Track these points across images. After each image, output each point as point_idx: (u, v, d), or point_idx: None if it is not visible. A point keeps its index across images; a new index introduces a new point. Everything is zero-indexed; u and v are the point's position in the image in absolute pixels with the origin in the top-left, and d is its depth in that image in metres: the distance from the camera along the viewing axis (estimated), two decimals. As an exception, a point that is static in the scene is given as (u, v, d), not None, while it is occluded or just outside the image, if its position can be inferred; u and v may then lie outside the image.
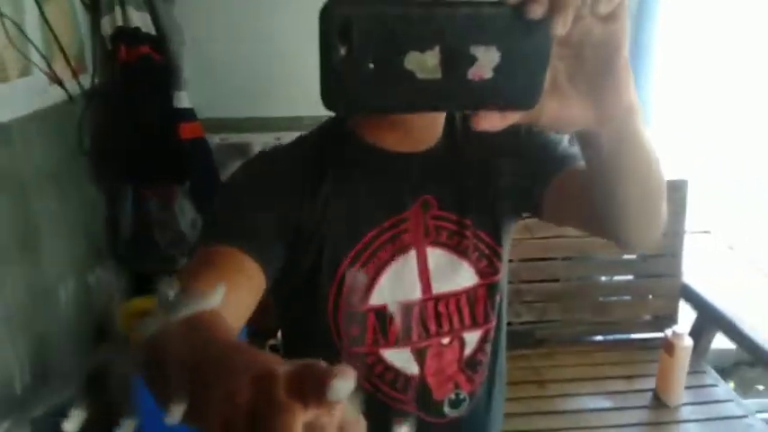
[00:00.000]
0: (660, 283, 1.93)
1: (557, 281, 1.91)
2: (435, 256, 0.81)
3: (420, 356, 0.82)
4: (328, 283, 0.77)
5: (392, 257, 0.79)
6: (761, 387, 2.36)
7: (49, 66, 1.47)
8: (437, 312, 0.81)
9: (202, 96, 1.93)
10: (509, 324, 1.90)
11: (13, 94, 1.34)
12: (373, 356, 0.80)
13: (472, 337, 0.85)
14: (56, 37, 1.49)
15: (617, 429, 1.57)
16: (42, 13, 1.44)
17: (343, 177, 0.78)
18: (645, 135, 0.53)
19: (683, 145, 2.10)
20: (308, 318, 0.80)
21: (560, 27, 0.38)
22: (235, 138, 2.05)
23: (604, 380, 1.76)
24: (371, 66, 0.37)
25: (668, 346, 1.61)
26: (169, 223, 1.87)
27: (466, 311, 0.83)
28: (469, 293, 0.83)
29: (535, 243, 1.84)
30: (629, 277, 1.98)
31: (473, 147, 0.82)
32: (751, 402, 1.87)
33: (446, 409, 0.85)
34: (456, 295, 0.82)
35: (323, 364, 0.27)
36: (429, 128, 0.81)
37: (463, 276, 0.82)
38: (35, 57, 1.41)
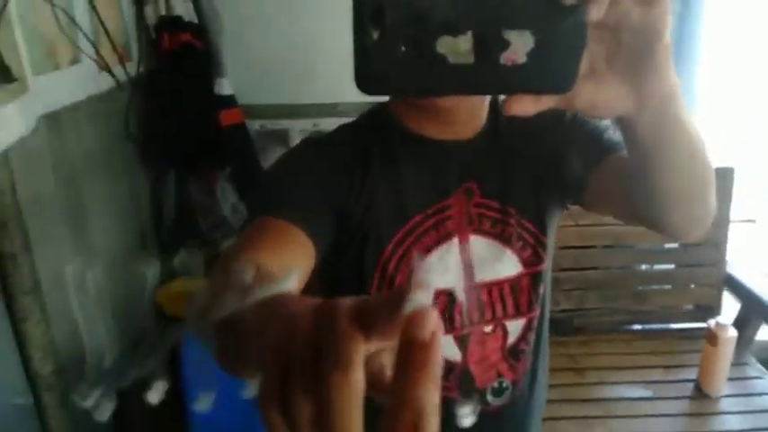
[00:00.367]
0: (703, 272, 1.89)
1: (596, 269, 1.89)
2: (478, 244, 0.81)
3: (462, 344, 0.82)
4: (373, 269, 0.78)
5: (436, 244, 0.79)
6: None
7: (99, 53, 1.51)
8: (479, 300, 0.82)
9: (242, 83, 1.95)
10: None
11: (64, 81, 1.38)
12: None
13: (515, 326, 0.85)
14: (103, 25, 1.53)
15: (655, 419, 1.56)
16: (91, 2, 1.48)
17: (387, 165, 0.78)
18: (687, 122, 0.52)
19: (729, 132, 2.04)
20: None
21: (596, 11, 0.37)
22: (272, 124, 2.08)
23: (642, 369, 1.74)
24: (403, 49, 0.38)
25: (711, 337, 1.58)
26: (211, 207, 1.91)
27: (509, 300, 0.83)
28: (513, 282, 0.83)
29: (575, 231, 1.82)
30: (671, 266, 1.95)
31: (517, 135, 0.82)
32: (796, 395, 1.82)
33: (489, 397, 0.86)
34: (499, 284, 0.82)
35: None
36: (473, 116, 0.81)
37: (506, 265, 0.82)
38: (84, 45, 1.45)
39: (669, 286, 1.95)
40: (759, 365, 1.74)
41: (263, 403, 0.26)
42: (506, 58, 0.38)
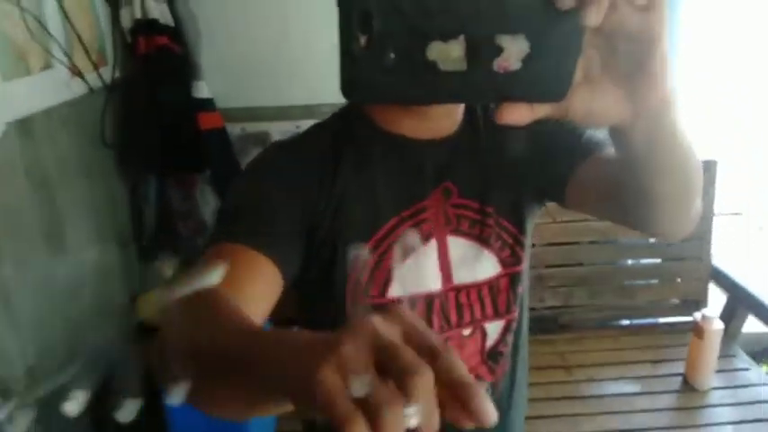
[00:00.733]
0: (689, 266, 1.89)
1: (581, 265, 1.89)
2: (456, 245, 0.79)
3: None
4: (346, 275, 0.76)
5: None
6: (794, 370, 2.31)
7: (70, 59, 1.48)
8: (458, 303, 0.80)
9: (221, 86, 1.93)
10: (533, 309, 1.89)
11: (36, 87, 1.35)
12: None
13: (494, 328, 0.83)
14: (75, 30, 1.50)
15: (644, 414, 1.56)
16: (61, 7, 1.45)
17: (360, 165, 0.76)
18: (682, 129, 0.50)
19: (712, 124, 2.04)
20: (326, 310, 0.79)
21: (593, 17, 0.36)
22: (253, 127, 2.05)
23: (631, 364, 1.74)
24: (392, 56, 0.36)
25: (698, 330, 1.58)
26: (191, 212, 1.88)
27: (488, 302, 0.81)
28: (492, 284, 0.81)
29: (559, 227, 1.82)
30: (657, 261, 1.95)
31: (495, 133, 0.80)
32: (784, 386, 1.83)
33: None
34: (478, 286, 0.80)
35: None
36: (449, 114, 0.79)
37: (485, 266, 0.80)
38: (56, 50, 1.42)
39: (655, 281, 1.95)
40: (746, 357, 1.75)
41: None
42: (499, 64, 0.37)
